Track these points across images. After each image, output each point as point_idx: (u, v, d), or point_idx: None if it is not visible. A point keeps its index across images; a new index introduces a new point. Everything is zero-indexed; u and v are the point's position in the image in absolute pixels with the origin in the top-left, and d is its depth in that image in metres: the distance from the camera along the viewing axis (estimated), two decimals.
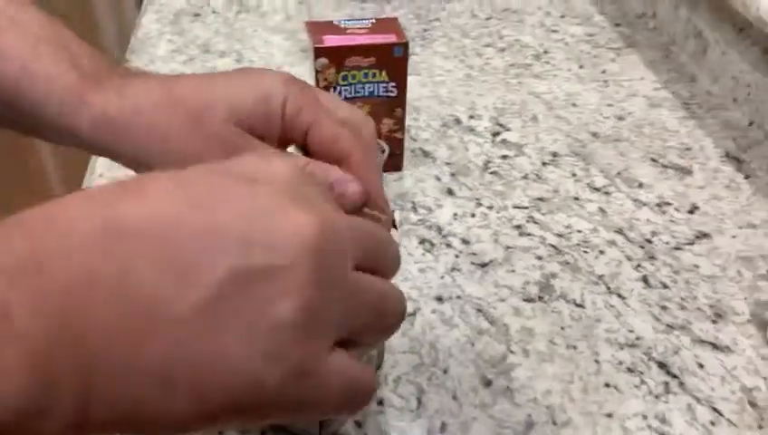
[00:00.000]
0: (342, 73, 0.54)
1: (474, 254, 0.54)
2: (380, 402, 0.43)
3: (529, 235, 0.55)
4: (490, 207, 0.58)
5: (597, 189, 0.60)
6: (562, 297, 0.50)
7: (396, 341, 0.46)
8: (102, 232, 0.22)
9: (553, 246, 0.54)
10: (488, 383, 0.44)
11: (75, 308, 0.21)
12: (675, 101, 0.71)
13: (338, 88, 0.55)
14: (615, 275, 0.52)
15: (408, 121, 0.68)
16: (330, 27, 0.55)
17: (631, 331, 0.48)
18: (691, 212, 0.58)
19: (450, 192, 0.60)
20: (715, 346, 0.47)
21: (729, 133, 0.67)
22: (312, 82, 0.56)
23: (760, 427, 0.42)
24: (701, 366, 0.46)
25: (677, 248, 0.54)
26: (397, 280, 0.52)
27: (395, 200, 0.58)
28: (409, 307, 0.49)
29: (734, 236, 0.55)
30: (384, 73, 0.55)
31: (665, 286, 0.51)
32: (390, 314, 0.28)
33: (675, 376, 0.45)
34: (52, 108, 0.34)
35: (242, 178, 0.25)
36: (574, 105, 0.71)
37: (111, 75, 0.36)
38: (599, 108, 0.70)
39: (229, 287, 0.23)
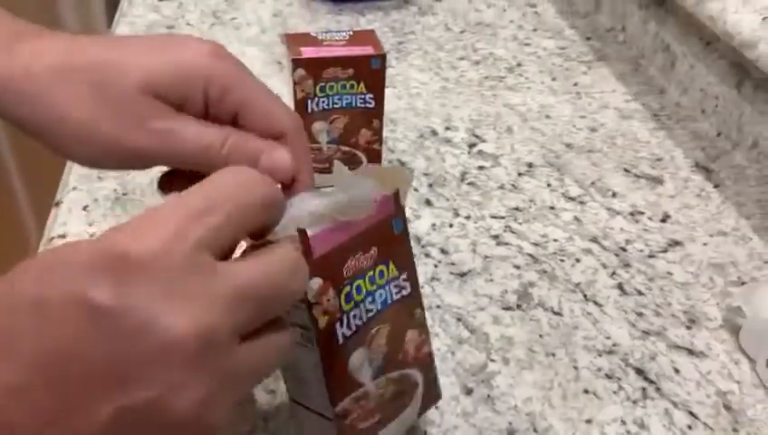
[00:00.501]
0: (320, 85, 0.55)
1: (452, 263, 0.54)
2: None
3: (506, 244, 0.56)
4: (468, 218, 0.58)
5: (572, 199, 0.61)
6: (540, 305, 0.51)
7: None
8: None
9: (530, 254, 0.55)
10: (469, 392, 0.44)
11: None
12: (645, 113, 0.73)
13: (315, 99, 0.55)
14: (591, 283, 0.53)
15: (385, 133, 0.68)
16: (307, 39, 0.55)
17: (608, 337, 0.48)
18: (663, 221, 0.59)
19: (428, 203, 0.60)
20: (690, 351, 0.48)
21: (698, 144, 0.68)
22: (289, 93, 0.56)
23: (735, 430, 0.43)
24: (677, 371, 0.46)
25: (651, 256, 0.55)
26: None
27: None
28: None
29: (705, 244, 0.56)
30: (362, 85, 0.55)
31: (640, 293, 0.52)
32: (275, 366, 0.28)
33: (652, 381, 0.46)
34: None
35: (103, 298, 0.22)
36: (548, 117, 0.72)
37: (22, 37, 0.33)
38: (572, 119, 0.71)
39: (115, 427, 0.22)
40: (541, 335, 0.48)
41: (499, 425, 0.43)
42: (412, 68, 0.79)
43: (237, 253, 0.28)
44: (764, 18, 0.55)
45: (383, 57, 0.55)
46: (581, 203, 0.60)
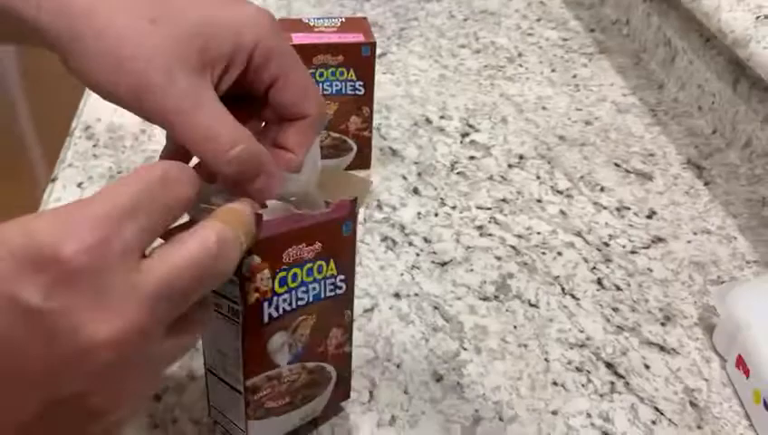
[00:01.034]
0: (310, 70, 0.55)
1: (434, 253, 0.55)
2: None
3: (490, 235, 0.56)
4: (453, 207, 0.59)
5: (560, 192, 0.61)
6: (518, 297, 0.51)
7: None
8: None
9: (513, 246, 0.55)
10: (439, 379, 0.45)
11: None
12: (642, 108, 0.73)
13: None
14: (570, 277, 0.53)
15: (379, 120, 0.69)
16: (299, 25, 0.56)
17: (582, 331, 0.49)
18: (649, 217, 0.59)
19: (416, 191, 0.61)
20: (662, 348, 0.48)
21: (692, 140, 0.68)
22: None
23: (699, 427, 0.43)
24: (647, 367, 0.47)
25: (633, 252, 0.56)
26: (357, 276, 0.53)
27: None
28: (368, 303, 0.51)
29: (688, 242, 0.57)
30: (352, 72, 0.56)
31: (618, 289, 0.52)
32: (196, 342, 0.31)
33: (621, 376, 0.46)
34: None
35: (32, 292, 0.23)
36: (544, 108, 0.72)
37: None
38: (567, 112, 0.71)
39: (41, 422, 0.24)
40: (515, 326, 0.49)
41: (465, 412, 0.43)
42: (412, 55, 0.80)
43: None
44: (758, 17, 0.55)
45: (373, 45, 0.55)
46: (569, 196, 0.61)
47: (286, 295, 0.35)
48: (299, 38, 0.54)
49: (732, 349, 0.46)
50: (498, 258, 0.54)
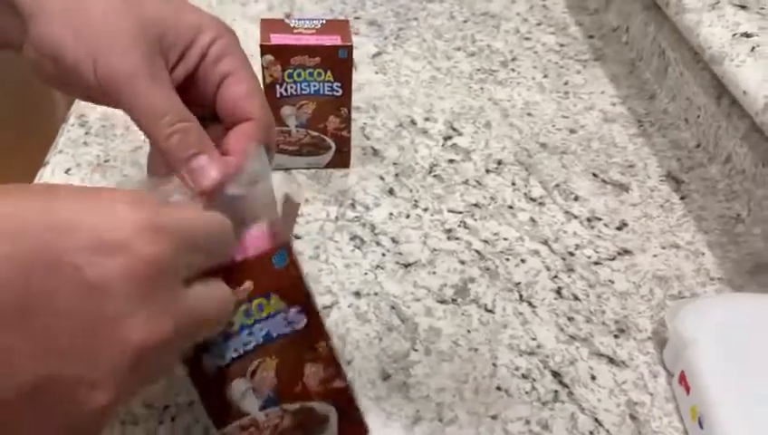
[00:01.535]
0: (288, 71, 0.57)
1: (400, 253, 0.56)
2: None
3: (457, 239, 0.57)
4: (425, 210, 0.60)
5: (533, 199, 0.62)
6: (475, 302, 0.52)
7: None
8: None
9: (478, 251, 0.56)
10: (387, 377, 0.47)
11: None
12: (630, 117, 0.73)
13: (283, 84, 0.57)
14: (530, 284, 0.54)
15: (364, 120, 0.70)
16: (280, 25, 0.57)
17: (534, 339, 0.50)
18: (619, 229, 0.59)
19: (391, 192, 0.62)
20: (611, 360, 0.49)
21: (675, 153, 0.68)
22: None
23: None
24: (593, 378, 0.48)
25: (597, 263, 0.56)
26: (321, 274, 0.55)
27: (335, 196, 0.61)
28: (328, 301, 0.52)
29: (654, 256, 0.57)
30: (329, 73, 0.57)
31: (576, 299, 0.53)
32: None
33: (566, 386, 0.47)
34: None
35: (79, 278, 0.25)
36: (529, 114, 0.72)
37: None
38: (553, 119, 0.72)
39: (32, 398, 0.24)
40: (469, 331, 0.50)
41: (407, 411, 0.45)
42: (407, 55, 0.81)
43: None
44: (734, 35, 0.55)
45: (350, 48, 0.56)
46: (541, 204, 0.61)
47: (229, 343, 0.34)
48: (277, 38, 0.56)
49: (677, 365, 0.46)
50: (462, 262, 0.55)
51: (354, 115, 0.69)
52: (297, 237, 0.56)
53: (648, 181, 0.65)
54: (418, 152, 0.67)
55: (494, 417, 0.45)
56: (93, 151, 0.64)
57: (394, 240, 0.57)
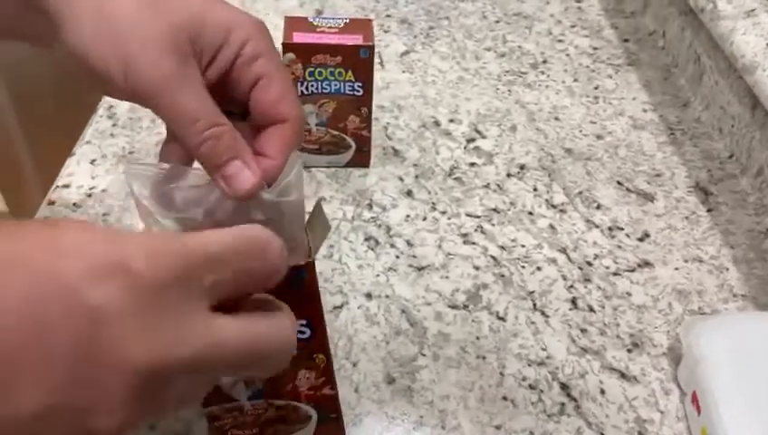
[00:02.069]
0: (309, 69, 0.57)
1: (414, 256, 0.56)
2: None
3: (473, 244, 0.57)
4: (443, 213, 0.60)
5: (554, 206, 0.61)
6: (486, 308, 0.52)
7: None
8: None
9: (493, 257, 0.56)
10: (391, 381, 0.47)
11: None
12: (660, 125, 0.71)
13: (305, 82, 0.57)
14: (545, 293, 0.53)
15: (387, 119, 0.70)
16: (303, 24, 0.57)
17: (544, 349, 0.49)
18: (641, 239, 0.58)
19: (409, 194, 0.61)
20: (622, 375, 0.48)
21: (706, 164, 0.66)
22: None
23: None
24: (602, 392, 0.47)
25: (616, 274, 0.55)
26: (334, 273, 0.55)
27: (353, 196, 0.61)
28: (338, 301, 0.52)
29: (676, 269, 0.55)
30: (350, 73, 0.57)
31: (591, 310, 0.52)
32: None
33: (573, 399, 0.46)
34: None
35: (81, 304, 0.24)
36: (557, 119, 0.71)
37: None
38: (580, 124, 0.70)
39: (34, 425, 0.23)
40: (478, 338, 0.50)
41: (410, 417, 0.45)
42: (435, 55, 0.80)
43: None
44: None
45: (371, 48, 0.56)
46: (562, 211, 0.60)
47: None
48: (299, 37, 0.56)
49: (691, 384, 0.45)
50: (476, 268, 0.55)
51: (378, 114, 0.69)
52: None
53: (675, 192, 0.63)
54: (440, 154, 0.66)
55: (497, 427, 0.44)
56: (120, 143, 0.65)
57: (409, 243, 0.57)
